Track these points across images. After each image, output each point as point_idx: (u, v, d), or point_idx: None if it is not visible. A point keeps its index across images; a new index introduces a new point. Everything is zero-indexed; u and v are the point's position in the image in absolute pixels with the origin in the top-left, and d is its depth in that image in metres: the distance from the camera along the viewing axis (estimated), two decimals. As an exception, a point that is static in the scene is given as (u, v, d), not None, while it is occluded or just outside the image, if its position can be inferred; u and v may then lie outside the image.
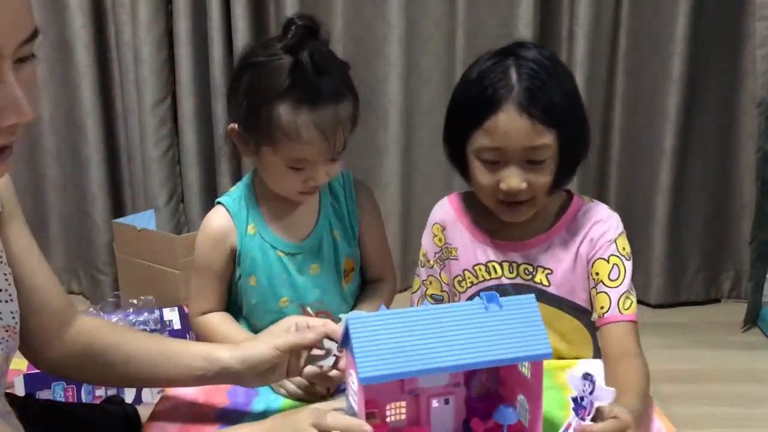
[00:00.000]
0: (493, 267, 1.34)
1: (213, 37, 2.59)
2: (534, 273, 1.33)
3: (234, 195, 1.31)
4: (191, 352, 1.08)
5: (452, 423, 1.07)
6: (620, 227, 1.32)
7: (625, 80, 2.74)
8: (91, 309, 2.56)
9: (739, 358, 2.46)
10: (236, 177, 2.73)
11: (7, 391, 1.17)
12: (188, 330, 2.23)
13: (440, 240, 1.39)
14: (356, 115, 1.26)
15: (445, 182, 2.87)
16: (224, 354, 1.06)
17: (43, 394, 1.98)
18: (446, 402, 1.07)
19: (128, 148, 2.81)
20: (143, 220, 2.68)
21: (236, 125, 1.23)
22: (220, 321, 1.30)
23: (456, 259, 1.37)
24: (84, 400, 2.02)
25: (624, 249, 1.31)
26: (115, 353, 1.07)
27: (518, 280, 1.33)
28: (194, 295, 1.32)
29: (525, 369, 1.06)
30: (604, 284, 1.29)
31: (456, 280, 1.38)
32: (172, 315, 2.31)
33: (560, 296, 1.33)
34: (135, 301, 2.47)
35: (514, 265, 1.33)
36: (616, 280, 1.29)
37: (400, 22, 2.66)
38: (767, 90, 2.50)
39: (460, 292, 1.38)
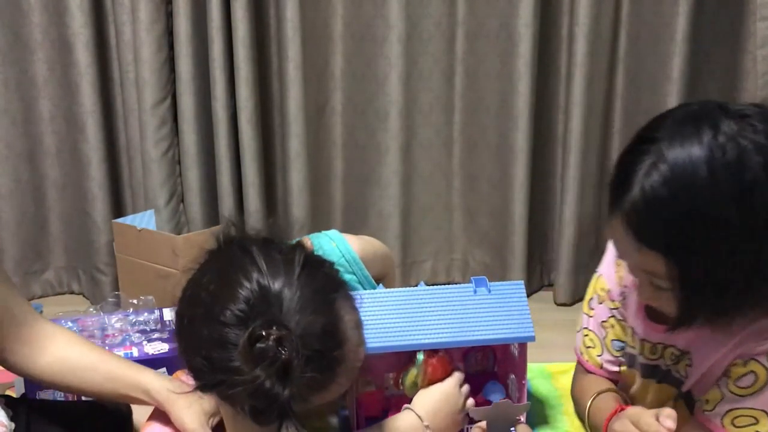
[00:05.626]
0: (640, 341, 1.15)
1: (213, 37, 2.59)
2: (679, 359, 1.12)
3: None
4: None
5: None
6: None
7: (625, 80, 2.74)
8: (91, 309, 2.56)
9: (739, 358, 2.46)
10: (236, 177, 2.73)
11: (7, 393, 1.18)
12: (188, 330, 2.23)
13: (621, 279, 1.18)
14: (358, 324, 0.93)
15: (445, 182, 2.87)
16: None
17: (43, 395, 1.97)
18: None
19: (128, 148, 2.81)
20: (143, 220, 2.68)
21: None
22: None
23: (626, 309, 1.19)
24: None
25: None
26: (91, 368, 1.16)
27: (659, 363, 1.15)
28: None
29: (515, 350, 1.11)
30: (726, 385, 1.03)
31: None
32: (172, 315, 2.30)
33: (688, 391, 1.13)
34: (135, 301, 2.47)
35: (658, 346, 1.14)
36: (743, 388, 1.01)
37: (400, 22, 2.66)
38: None
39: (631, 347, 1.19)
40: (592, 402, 1.15)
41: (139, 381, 1.16)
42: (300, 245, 0.92)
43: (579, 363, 1.23)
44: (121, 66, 2.71)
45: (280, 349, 0.81)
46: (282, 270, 0.87)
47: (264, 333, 0.82)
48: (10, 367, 1.18)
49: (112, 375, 1.16)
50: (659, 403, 1.14)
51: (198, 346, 0.88)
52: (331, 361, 0.87)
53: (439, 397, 1.08)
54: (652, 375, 1.16)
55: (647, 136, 0.94)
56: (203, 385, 0.90)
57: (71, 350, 1.17)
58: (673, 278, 0.93)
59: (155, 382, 1.15)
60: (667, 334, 1.08)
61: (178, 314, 0.94)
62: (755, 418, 1.00)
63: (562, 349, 2.55)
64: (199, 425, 1.09)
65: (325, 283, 0.90)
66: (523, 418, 1.11)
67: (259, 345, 0.81)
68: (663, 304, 0.99)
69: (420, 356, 1.08)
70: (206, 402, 1.11)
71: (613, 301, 1.18)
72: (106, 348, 2.10)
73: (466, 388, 1.12)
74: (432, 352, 1.08)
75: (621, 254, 0.99)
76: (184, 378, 1.30)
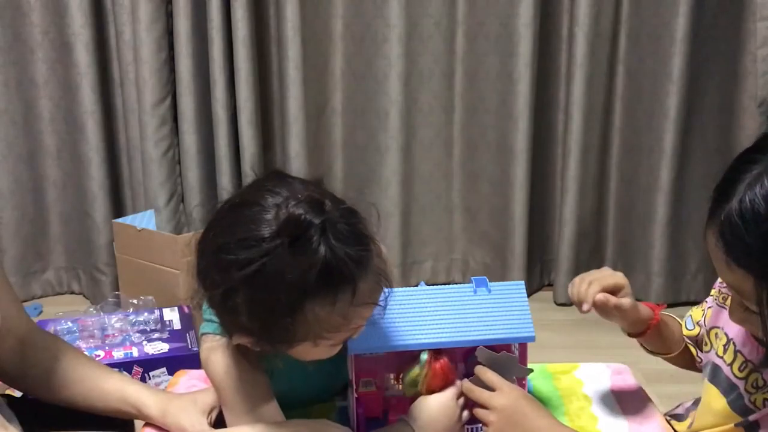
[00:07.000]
0: (734, 352, 1.07)
1: (213, 37, 2.59)
2: (758, 389, 1.03)
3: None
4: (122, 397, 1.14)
5: None
6: None
7: (625, 80, 2.74)
8: (91, 309, 2.56)
9: (739, 358, 2.45)
10: (237, 177, 2.73)
11: (7, 392, 1.17)
12: (188, 330, 2.22)
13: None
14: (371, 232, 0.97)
15: (445, 182, 2.87)
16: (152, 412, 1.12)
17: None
18: None
19: (128, 148, 2.81)
20: (143, 220, 2.68)
21: (247, 339, 0.97)
22: None
23: (725, 309, 1.09)
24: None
25: None
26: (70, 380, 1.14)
27: (741, 385, 1.05)
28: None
29: (516, 350, 1.12)
30: None
31: (713, 332, 1.13)
32: (172, 315, 2.31)
33: (754, 421, 1.04)
34: (135, 301, 2.47)
35: (749, 365, 1.05)
36: None
37: (400, 22, 2.66)
38: (768, 90, 2.50)
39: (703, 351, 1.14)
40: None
41: (129, 396, 1.12)
42: (321, 179, 0.99)
43: None
44: (121, 66, 2.71)
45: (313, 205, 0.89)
46: (315, 185, 0.95)
47: (299, 197, 0.90)
48: (5, 380, 1.16)
49: (102, 389, 1.13)
50: (715, 422, 1.09)
51: (231, 233, 0.92)
52: (361, 245, 0.91)
53: (436, 407, 1.07)
54: (726, 392, 1.08)
55: (760, 144, 0.87)
56: (231, 274, 0.90)
57: (60, 363, 1.14)
58: (760, 302, 0.86)
59: (145, 396, 1.12)
60: (759, 359, 1.01)
61: (208, 225, 0.98)
62: None
63: (563, 349, 2.56)
64: (199, 425, 1.08)
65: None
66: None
67: (293, 202, 0.89)
68: (753, 330, 0.93)
69: (424, 356, 1.08)
70: (200, 401, 1.10)
71: (714, 287, 1.18)
72: (106, 348, 2.11)
73: (462, 400, 1.11)
74: (437, 355, 1.07)
75: (715, 268, 0.93)
76: (187, 377, 1.30)
